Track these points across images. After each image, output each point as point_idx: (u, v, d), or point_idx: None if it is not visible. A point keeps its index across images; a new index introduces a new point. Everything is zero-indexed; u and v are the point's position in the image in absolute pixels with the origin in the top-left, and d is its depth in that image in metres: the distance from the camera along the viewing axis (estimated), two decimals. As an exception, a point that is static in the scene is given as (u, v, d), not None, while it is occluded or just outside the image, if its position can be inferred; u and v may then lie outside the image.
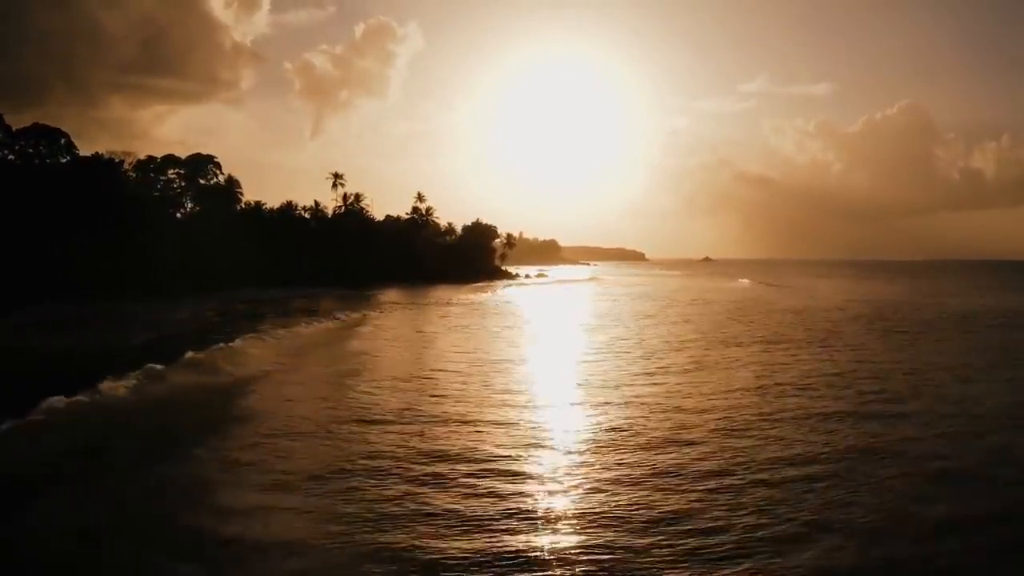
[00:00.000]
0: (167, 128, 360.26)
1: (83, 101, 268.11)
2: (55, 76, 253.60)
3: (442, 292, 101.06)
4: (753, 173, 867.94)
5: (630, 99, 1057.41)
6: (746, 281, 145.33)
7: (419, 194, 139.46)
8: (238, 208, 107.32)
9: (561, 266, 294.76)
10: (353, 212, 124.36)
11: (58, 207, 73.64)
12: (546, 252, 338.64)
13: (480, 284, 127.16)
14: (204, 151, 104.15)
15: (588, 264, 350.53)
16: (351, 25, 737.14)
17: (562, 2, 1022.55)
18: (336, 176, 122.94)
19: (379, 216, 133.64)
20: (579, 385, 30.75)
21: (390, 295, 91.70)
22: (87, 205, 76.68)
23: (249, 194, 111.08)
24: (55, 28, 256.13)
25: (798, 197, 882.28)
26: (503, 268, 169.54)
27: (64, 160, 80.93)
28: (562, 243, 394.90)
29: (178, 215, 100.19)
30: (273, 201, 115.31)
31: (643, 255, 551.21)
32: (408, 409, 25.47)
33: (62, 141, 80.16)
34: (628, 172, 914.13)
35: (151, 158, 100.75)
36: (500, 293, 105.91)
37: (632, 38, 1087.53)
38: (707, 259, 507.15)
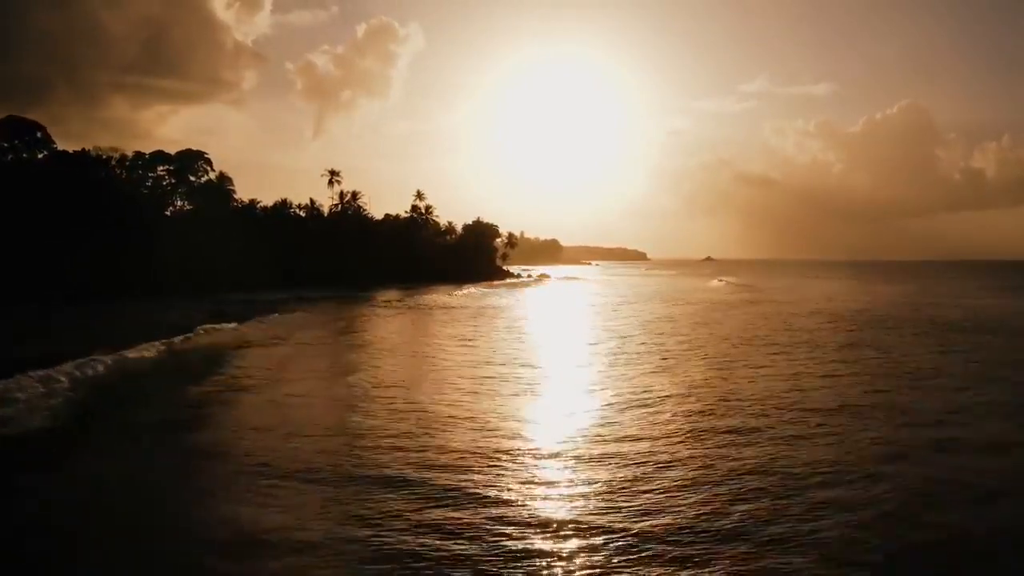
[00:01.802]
0: (169, 128, 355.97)
1: (85, 101, 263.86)
2: (57, 76, 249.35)
3: (442, 293, 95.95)
4: (754, 173, 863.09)
5: (631, 99, 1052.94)
6: (718, 282, 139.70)
7: (418, 192, 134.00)
8: (233, 206, 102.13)
9: (562, 266, 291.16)
10: (351, 210, 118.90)
11: (42, 205, 68.98)
12: (548, 252, 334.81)
13: (481, 284, 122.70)
14: (206, 152, 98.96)
15: (590, 264, 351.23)
16: (352, 25, 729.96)
17: (562, 2, 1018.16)
18: (332, 173, 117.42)
19: (378, 215, 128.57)
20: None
21: (390, 296, 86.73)
22: (74, 203, 72.15)
23: (252, 194, 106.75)
24: (57, 28, 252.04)
25: (799, 197, 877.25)
26: (504, 268, 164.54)
27: (41, 155, 75.51)
28: (563, 243, 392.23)
29: (167, 213, 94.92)
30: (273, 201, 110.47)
31: (644, 255, 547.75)
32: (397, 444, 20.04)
33: (38, 135, 74.73)
34: (629, 172, 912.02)
35: (139, 154, 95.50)
36: (500, 294, 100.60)
37: (632, 38, 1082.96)
38: (709, 259, 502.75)
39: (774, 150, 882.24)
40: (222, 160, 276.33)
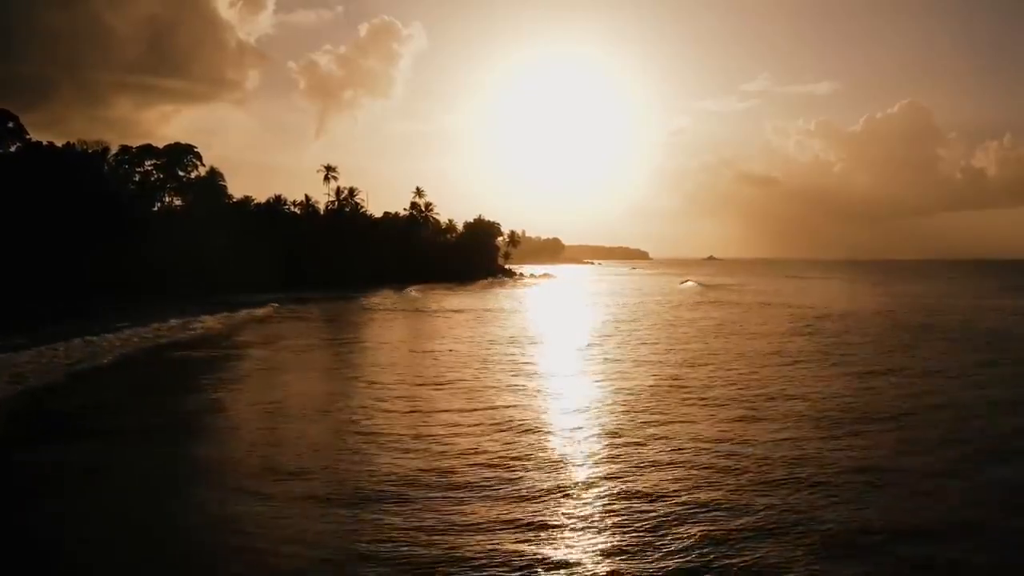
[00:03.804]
0: (172, 128, 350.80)
1: (88, 101, 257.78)
2: (60, 76, 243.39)
3: (442, 294, 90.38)
4: (755, 173, 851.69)
5: (633, 99, 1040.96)
6: (684, 283, 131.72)
7: (418, 189, 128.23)
8: (227, 203, 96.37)
9: (563, 265, 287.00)
10: (348, 207, 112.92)
11: (14, 200, 63.60)
12: (549, 251, 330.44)
13: (483, 283, 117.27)
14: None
15: (592, 263, 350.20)
16: (355, 25, 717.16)
17: (564, 2, 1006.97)
18: (328, 169, 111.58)
19: (376, 213, 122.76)
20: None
21: (384, 298, 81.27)
22: (52, 198, 66.90)
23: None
24: (60, 28, 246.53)
25: (800, 197, 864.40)
26: (506, 267, 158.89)
27: (15, 147, 69.75)
28: (565, 242, 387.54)
29: (154, 208, 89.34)
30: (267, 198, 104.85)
31: (646, 254, 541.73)
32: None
33: (10, 124, 68.91)
34: (631, 172, 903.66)
35: (125, 148, 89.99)
36: (500, 295, 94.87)
37: (634, 38, 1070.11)
38: (711, 258, 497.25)
39: (775, 150, 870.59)
40: (224, 160, 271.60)
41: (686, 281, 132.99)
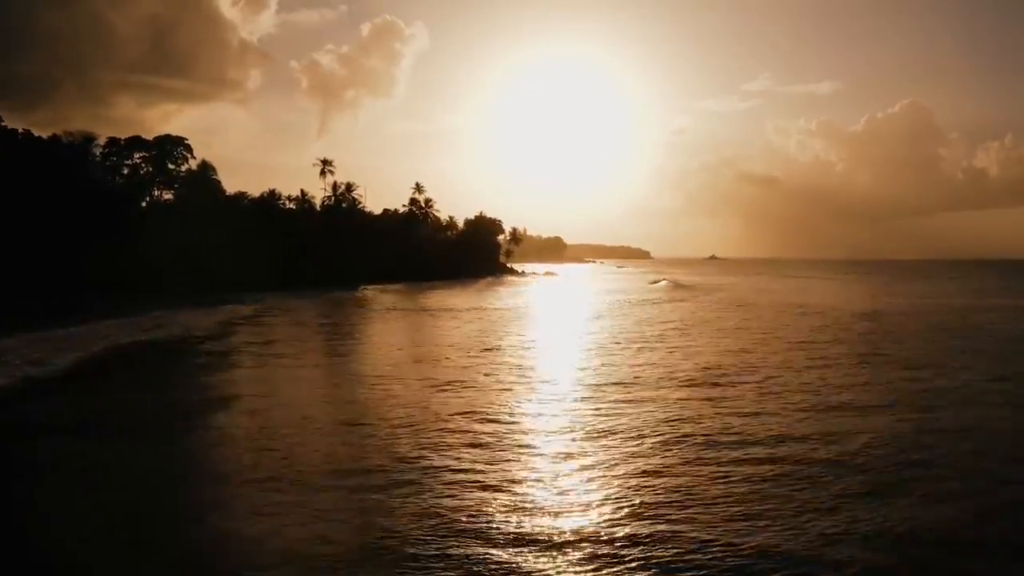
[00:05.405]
0: (173, 128, 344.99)
1: (91, 100, 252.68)
2: (63, 75, 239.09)
3: (442, 294, 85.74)
4: (757, 173, 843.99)
5: (634, 99, 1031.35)
6: (664, 281, 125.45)
7: (417, 185, 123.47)
8: (221, 199, 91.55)
9: (565, 264, 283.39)
10: (345, 203, 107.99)
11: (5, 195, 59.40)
12: (551, 250, 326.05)
13: (485, 282, 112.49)
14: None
15: (594, 262, 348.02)
16: (357, 24, 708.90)
17: (565, 3, 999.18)
18: (324, 163, 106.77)
19: (375, 210, 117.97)
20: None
21: (388, 301, 76.87)
22: (41, 191, 62.70)
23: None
24: (63, 28, 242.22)
25: (801, 197, 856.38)
26: (508, 265, 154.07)
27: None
28: (567, 241, 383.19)
29: (143, 204, 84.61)
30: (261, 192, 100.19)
31: (648, 254, 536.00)
32: None
33: (-17, 111, 64.23)
34: (632, 172, 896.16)
35: (114, 140, 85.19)
36: (501, 295, 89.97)
37: (635, 38, 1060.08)
38: (713, 257, 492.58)
39: (776, 149, 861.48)
40: (225, 159, 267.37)
41: (659, 280, 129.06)
